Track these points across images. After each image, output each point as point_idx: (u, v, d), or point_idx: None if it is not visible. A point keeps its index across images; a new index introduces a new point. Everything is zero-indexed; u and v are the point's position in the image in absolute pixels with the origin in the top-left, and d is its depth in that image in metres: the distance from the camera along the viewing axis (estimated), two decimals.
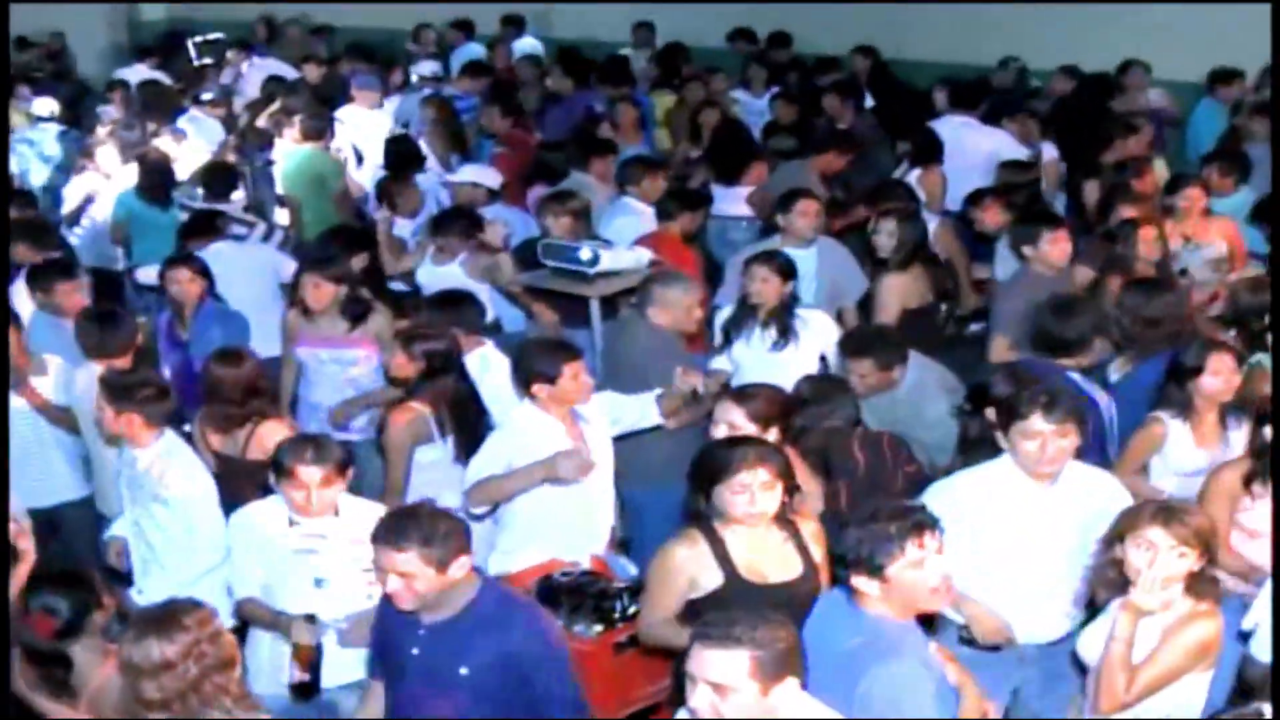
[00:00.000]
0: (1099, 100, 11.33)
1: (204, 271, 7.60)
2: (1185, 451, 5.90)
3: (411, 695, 4.55)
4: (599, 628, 5.50)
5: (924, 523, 4.13)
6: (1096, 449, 5.98)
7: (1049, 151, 10.38)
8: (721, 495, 4.74)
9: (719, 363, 7.24)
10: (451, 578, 4.34)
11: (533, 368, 5.91)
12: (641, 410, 6.39)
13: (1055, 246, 7.53)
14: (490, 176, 9.60)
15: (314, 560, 5.25)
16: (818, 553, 4.91)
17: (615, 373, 6.96)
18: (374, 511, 5.09)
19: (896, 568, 4.06)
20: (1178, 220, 8.35)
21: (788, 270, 7.17)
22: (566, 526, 5.94)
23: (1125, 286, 7.01)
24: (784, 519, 4.86)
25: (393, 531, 4.34)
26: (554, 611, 5.21)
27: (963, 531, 4.66)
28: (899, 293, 7.72)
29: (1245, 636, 4.76)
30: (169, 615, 4.12)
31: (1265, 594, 4.69)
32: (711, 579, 4.78)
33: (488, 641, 4.38)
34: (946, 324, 8.53)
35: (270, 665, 5.32)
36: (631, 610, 5.45)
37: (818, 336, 7.14)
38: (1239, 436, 5.94)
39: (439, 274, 8.15)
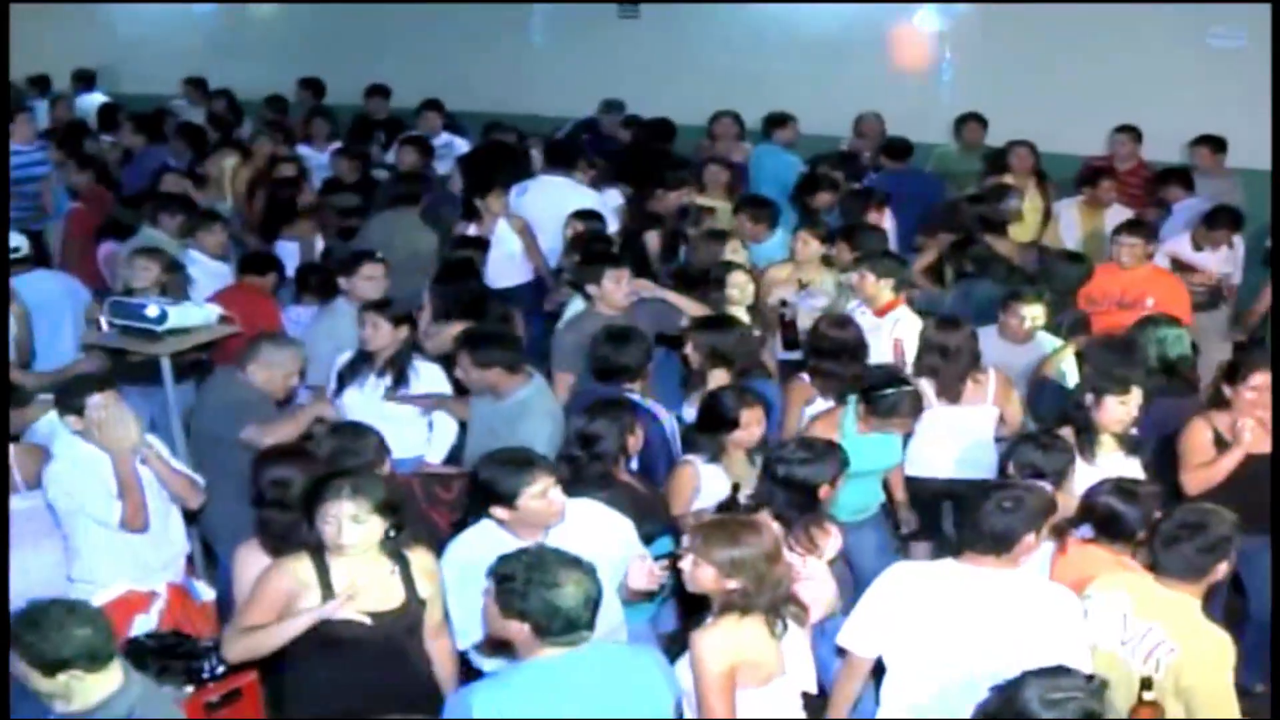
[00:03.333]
0: (658, 146, 11.80)
1: None
2: (721, 489, 6.11)
3: None
4: (189, 688, 5.43)
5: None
6: (664, 459, 6.53)
7: (616, 197, 10.69)
8: (316, 523, 4.88)
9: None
10: None
11: None
12: None
13: (617, 286, 7.75)
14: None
15: None
16: (426, 587, 5.04)
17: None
18: None
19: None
20: (798, 267, 8.74)
21: (401, 317, 7.32)
22: (138, 554, 5.97)
23: (695, 322, 7.41)
24: (396, 551, 4.99)
25: None
26: (142, 672, 5.11)
27: None
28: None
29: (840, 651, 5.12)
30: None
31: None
32: (310, 600, 4.85)
33: None
34: None
35: None
36: (220, 670, 5.42)
37: (431, 387, 7.30)
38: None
39: None
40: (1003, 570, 4.90)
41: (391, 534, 4.98)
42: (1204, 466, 6.48)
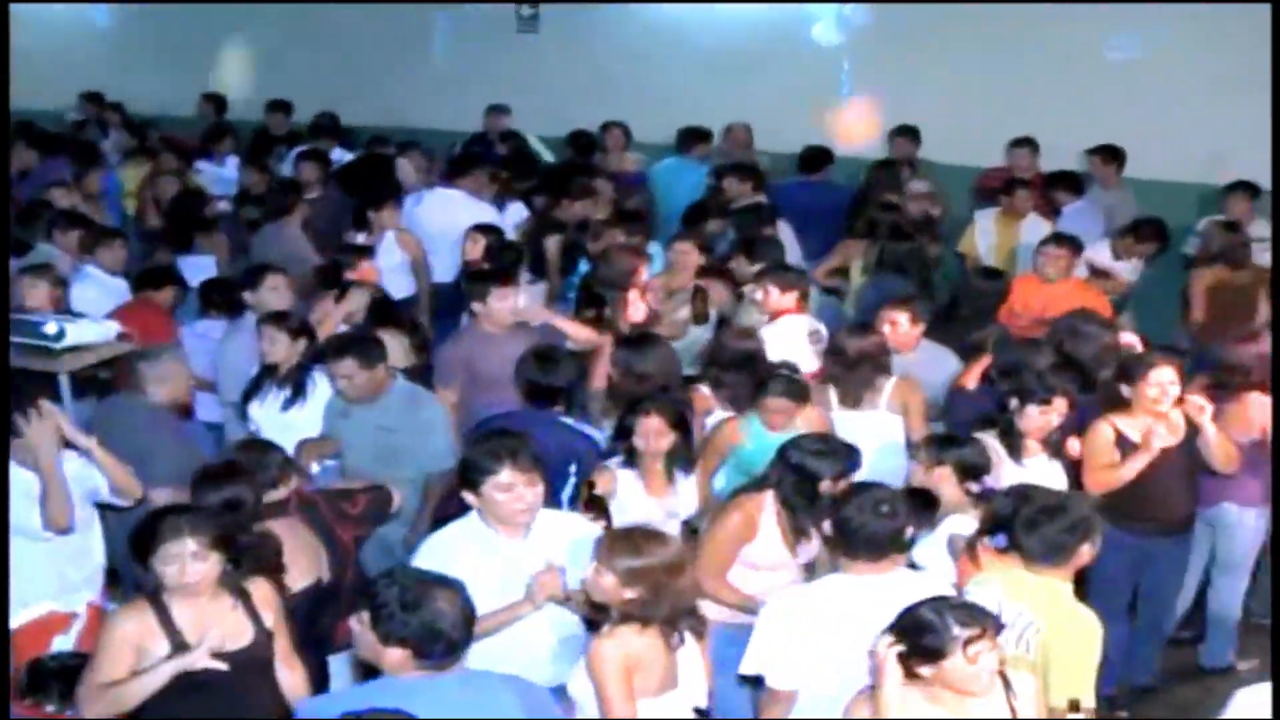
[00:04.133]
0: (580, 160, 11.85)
1: None
2: (637, 499, 6.24)
3: None
4: None
5: None
6: None
7: (520, 210, 10.70)
8: (155, 566, 4.74)
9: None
10: None
11: None
12: None
13: (503, 304, 7.70)
14: None
15: None
16: (270, 618, 4.93)
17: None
18: None
19: None
20: (671, 275, 8.78)
21: (299, 329, 7.26)
22: (62, 570, 5.91)
23: (618, 342, 7.38)
24: (235, 586, 4.88)
25: None
26: (46, 696, 5.01)
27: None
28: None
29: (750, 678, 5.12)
30: None
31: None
32: (158, 648, 4.72)
33: None
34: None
35: None
36: None
37: (328, 398, 7.18)
38: (687, 485, 6.38)
39: None
40: (884, 574, 4.93)
41: (229, 567, 4.87)
42: (1107, 469, 6.56)
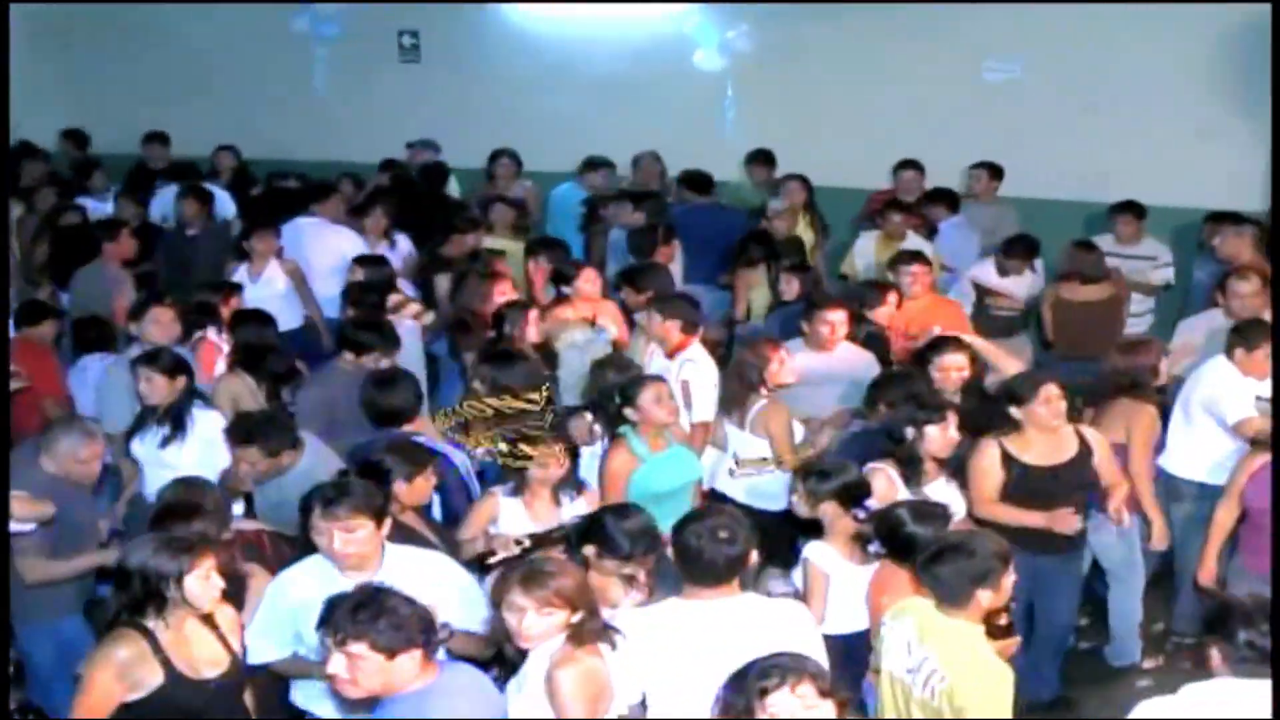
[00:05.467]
0: (432, 191, 11.85)
1: None
2: (520, 524, 6.25)
3: None
4: None
5: None
6: (462, 501, 6.61)
7: (404, 244, 10.62)
8: (189, 587, 4.77)
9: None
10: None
11: None
12: None
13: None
14: None
15: None
16: (236, 641, 5.01)
17: None
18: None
19: None
20: (571, 305, 8.71)
21: (174, 368, 7.13)
22: None
23: (480, 357, 7.53)
24: (203, 614, 4.88)
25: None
26: None
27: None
28: (229, 395, 7.66)
29: None
30: None
31: None
32: (153, 678, 4.69)
33: None
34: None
35: None
36: None
37: (211, 436, 7.04)
38: (572, 510, 6.33)
39: None
40: (725, 598, 4.91)
41: None
42: (994, 503, 6.59)
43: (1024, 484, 6.59)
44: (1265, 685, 4.35)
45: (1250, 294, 8.13)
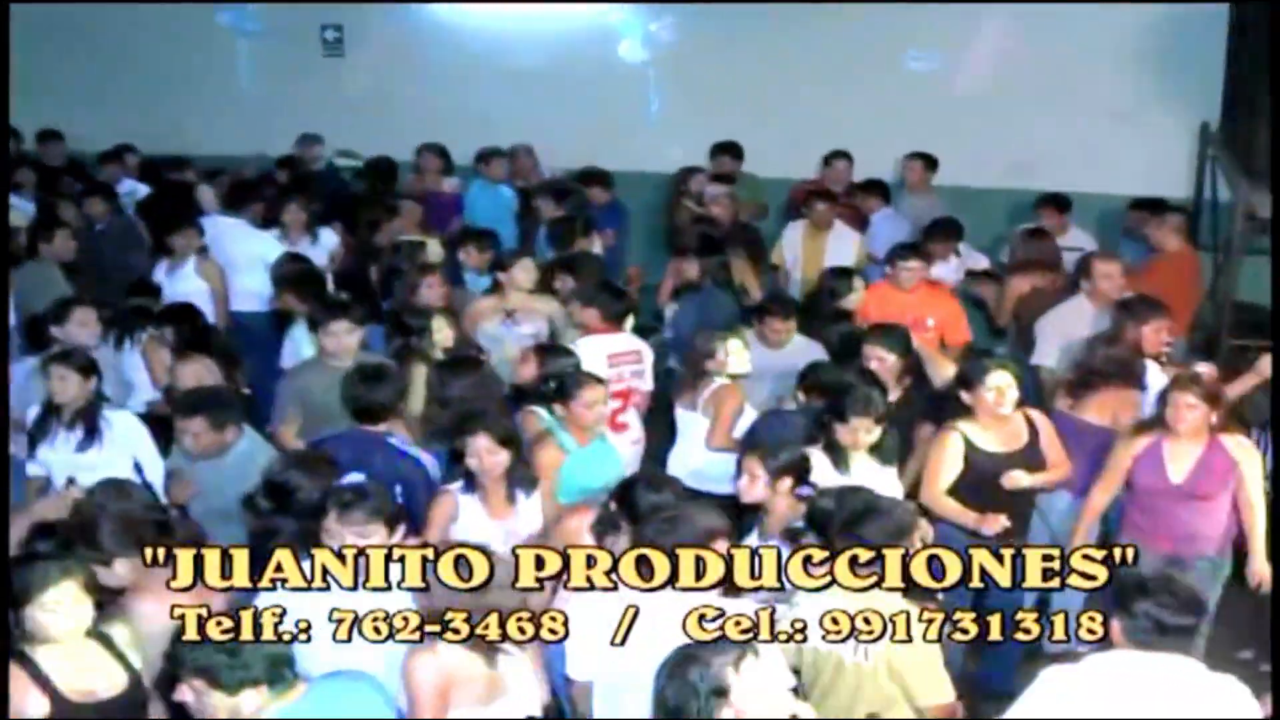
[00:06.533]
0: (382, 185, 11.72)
1: None
2: (479, 523, 6.19)
3: None
4: None
5: None
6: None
7: (330, 237, 10.49)
8: (33, 617, 4.55)
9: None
10: None
11: None
12: None
13: (342, 336, 7.56)
14: None
15: None
16: (138, 658, 4.79)
17: None
18: None
19: None
20: (502, 295, 8.67)
21: (87, 368, 6.99)
22: None
23: (434, 367, 7.37)
24: (96, 631, 4.69)
25: None
26: None
27: None
28: (193, 375, 7.57)
29: None
30: None
31: None
32: (37, 707, 4.52)
33: None
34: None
35: None
36: None
37: (126, 436, 6.95)
38: (529, 505, 6.31)
39: None
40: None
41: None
42: (941, 498, 6.61)
43: (982, 472, 6.63)
44: (1161, 658, 4.53)
45: (1115, 274, 8.34)
